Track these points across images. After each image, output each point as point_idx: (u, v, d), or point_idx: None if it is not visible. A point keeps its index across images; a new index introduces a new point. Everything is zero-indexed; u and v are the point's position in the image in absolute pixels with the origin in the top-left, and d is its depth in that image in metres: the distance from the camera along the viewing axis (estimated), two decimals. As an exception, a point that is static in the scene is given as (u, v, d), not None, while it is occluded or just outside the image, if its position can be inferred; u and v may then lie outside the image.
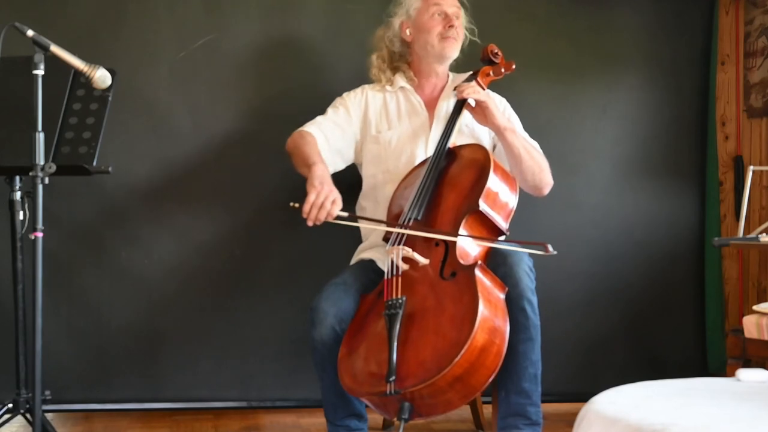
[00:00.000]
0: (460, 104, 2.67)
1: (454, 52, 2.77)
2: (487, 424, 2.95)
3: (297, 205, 2.42)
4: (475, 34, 2.89)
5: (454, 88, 2.73)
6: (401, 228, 2.45)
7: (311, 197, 2.42)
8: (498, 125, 2.61)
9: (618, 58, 3.38)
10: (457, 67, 2.89)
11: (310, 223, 2.42)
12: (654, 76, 3.40)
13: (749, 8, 3.43)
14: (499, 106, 2.83)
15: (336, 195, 2.44)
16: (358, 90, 2.87)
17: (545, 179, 2.69)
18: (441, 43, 2.75)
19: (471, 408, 2.98)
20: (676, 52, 3.42)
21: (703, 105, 3.44)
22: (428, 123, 2.78)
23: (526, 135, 2.80)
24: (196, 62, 3.09)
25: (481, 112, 2.63)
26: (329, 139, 2.76)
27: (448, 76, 2.87)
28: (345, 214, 2.45)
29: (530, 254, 2.47)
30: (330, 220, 2.43)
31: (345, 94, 2.86)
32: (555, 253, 2.32)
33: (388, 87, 2.84)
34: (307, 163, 2.59)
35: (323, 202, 2.41)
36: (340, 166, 2.81)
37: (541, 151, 2.74)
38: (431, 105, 2.81)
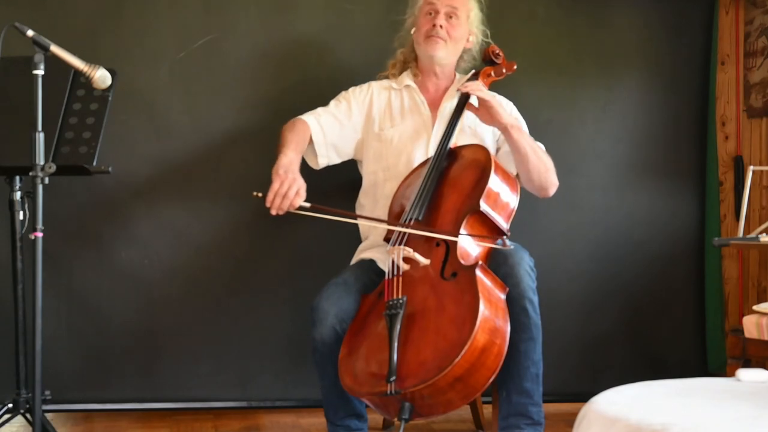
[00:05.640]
0: (463, 102, 2.67)
1: (438, 51, 2.75)
2: (487, 424, 2.95)
3: (261, 194, 2.42)
4: (488, 36, 2.89)
5: (458, 89, 2.74)
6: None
7: (275, 186, 2.43)
8: (503, 123, 2.60)
9: (618, 58, 3.38)
10: (464, 68, 2.89)
11: (273, 212, 2.42)
12: (654, 76, 3.41)
13: (749, 8, 3.43)
14: (506, 109, 2.83)
15: (300, 184, 2.44)
16: (365, 86, 2.87)
17: (551, 179, 2.68)
18: (425, 43, 2.75)
19: (471, 408, 2.98)
20: (676, 52, 3.42)
21: (703, 105, 3.44)
22: (431, 122, 2.78)
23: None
24: (196, 62, 3.09)
25: (486, 111, 2.62)
26: (326, 131, 2.75)
27: (454, 76, 2.87)
28: (307, 204, 2.44)
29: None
30: (292, 210, 2.43)
31: (351, 89, 2.87)
32: (511, 247, 2.38)
33: (393, 84, 2.85)
34: (281, 150, 2.60)
35: (286, 191, 2.41)
36: (335, 160, 2.81)
37: (546, 152, 2.75)
38: (435, 105, 2.81)
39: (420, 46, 2.78)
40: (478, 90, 2.61)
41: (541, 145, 2.74)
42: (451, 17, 2.76)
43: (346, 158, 2.84)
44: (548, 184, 2.68)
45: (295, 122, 2.74)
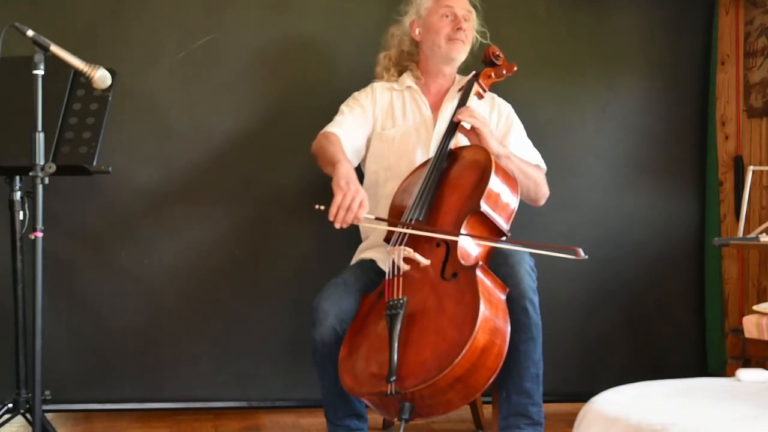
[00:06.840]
0: (454, 126, 2.63)
1: (460, 54, 2.78)
2: (487, 424, 2.95)
3: (322, 207, 2.34)
4: (487, 37, 2.90)
5: (459, 89, 2.75)
6: (414, 230, 2.41)
7: (338, 199, 2.36)
8: (492, 152, 2.55)
9: (618, 58, 3.38)
10: (461, 68, 2.89)
11: (337, 226, 2.35)
12: (654, 76, 3.41)
13: (749, 8, 3.43)
14: (504, 111, 2.84)
15: (363, 196, 2.38)
16: (368, 88, 2.87)
17: (540, 192, 2.72)
18: (448, 45, 2.76)
19: (471, 408, 2.98)
20: (676, 52, 3.42)
21: (703, 105, 3.44)
22: (432, 123, 2.79)
23: (528, 144, 2.80)
24: (196, 62, 3.09)
25: (476, 138, 2.60)
26: (351, 138, 2.74)
27: (454, 77, 2.87)
28: (371, 216, 2.40)
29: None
30: (356, 223, 2.37)
31: (356, 94, 2.86)
32: (586, 257, 2.26)
33: (395, 85, 2.85)
34: (331, 162, 2.53)
35: (350, 204, 2.35)
36: (354, 164, 2.80)
37: (539, 160, 2.77)
38: (436, 106, 2.82)
39: (440, 48, 2.76)
40: (471, 118, 2.59)
41: (536, 153, 2.76)
42: (466, 20, 2.77)
43: (361, 159, 2.84)
44: (538, 197, 2.73)
45: (327, 135, 2.70)
